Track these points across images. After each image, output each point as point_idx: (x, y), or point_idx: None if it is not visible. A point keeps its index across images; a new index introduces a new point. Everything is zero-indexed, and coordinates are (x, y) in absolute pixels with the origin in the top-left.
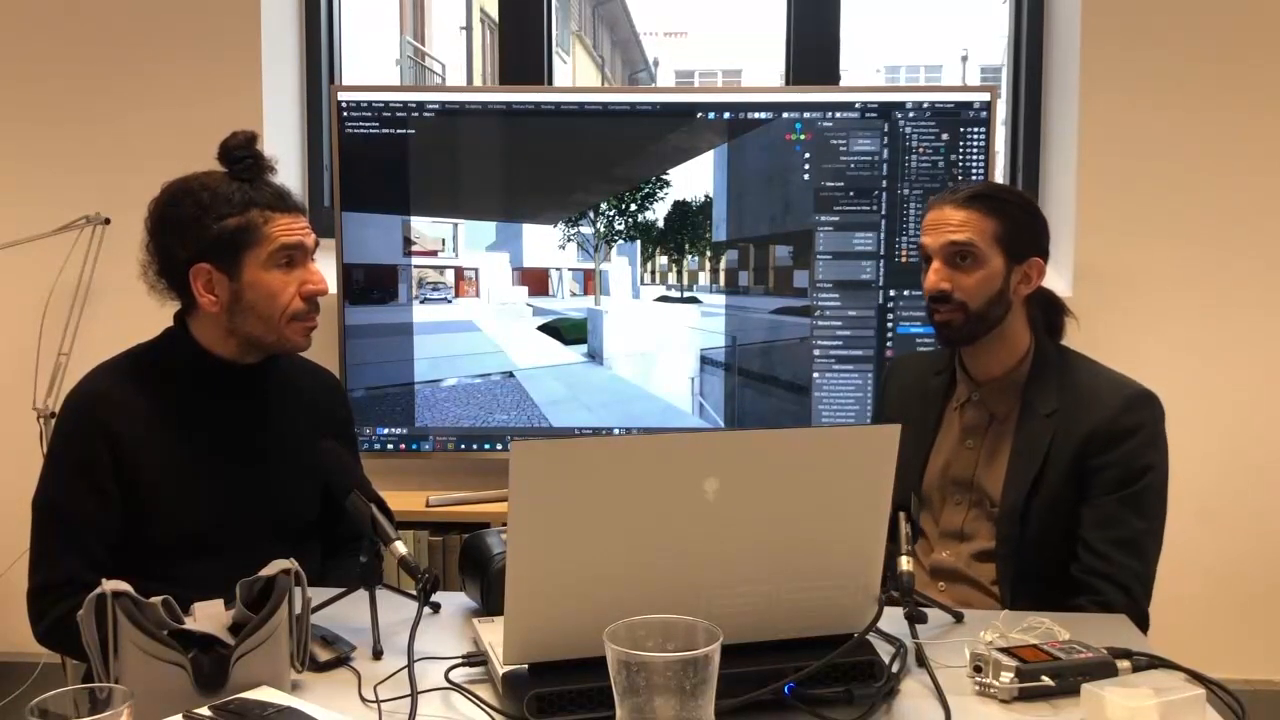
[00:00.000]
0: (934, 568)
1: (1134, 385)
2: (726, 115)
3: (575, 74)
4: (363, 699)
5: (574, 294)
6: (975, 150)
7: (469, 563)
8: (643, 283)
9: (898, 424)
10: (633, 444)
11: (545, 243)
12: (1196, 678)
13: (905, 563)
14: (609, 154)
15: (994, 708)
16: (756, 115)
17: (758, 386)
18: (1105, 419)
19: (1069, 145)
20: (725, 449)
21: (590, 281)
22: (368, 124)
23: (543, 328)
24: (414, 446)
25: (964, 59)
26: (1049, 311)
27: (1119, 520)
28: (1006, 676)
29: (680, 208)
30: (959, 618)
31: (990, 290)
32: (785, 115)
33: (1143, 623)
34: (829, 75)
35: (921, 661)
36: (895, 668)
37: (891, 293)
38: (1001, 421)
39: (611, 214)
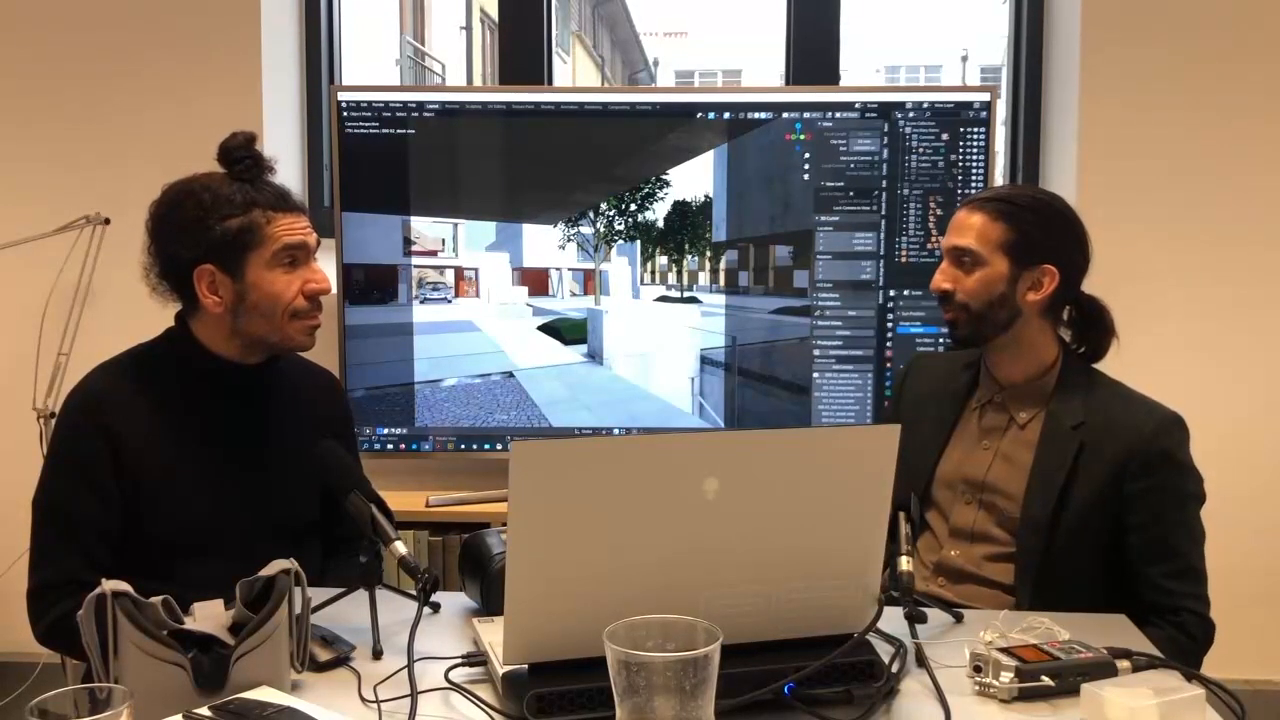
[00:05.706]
0: (939, 565)
1: (1164, 408)
2: (726, 115)
3: (575, 74)
4: (363, 699)
5: (574, 294)
6: (975, 150)
7: (469, 563)
8: (643, 283)
9: (898, 424)
10: (633, 444)
11: (545, 243)
12: (1196, 678)
13: (905, 563)
14: (609, 154)
15: (994, 708)
16: (756, 115)
17: (758, 386)
18: (1141, 442)
19: (1069, 145)
20: (725, 449)
21: (590, 281)
22: (368, 124)
23: (543, 328)
24: (414, 446)
25: (964, 59)
26: (1095, 329)
27: (1176, 551)
28: (1006, 676)
29: (680, 208)
30: (959, 618)
31: (991, 293)
32: (785, 115)
33: (1212, 636)
34: (829, 75)
35: (921, 661)
36: (895, 668)
37: (891, 293)
38: (1022, 427)
39: (611, 214)
